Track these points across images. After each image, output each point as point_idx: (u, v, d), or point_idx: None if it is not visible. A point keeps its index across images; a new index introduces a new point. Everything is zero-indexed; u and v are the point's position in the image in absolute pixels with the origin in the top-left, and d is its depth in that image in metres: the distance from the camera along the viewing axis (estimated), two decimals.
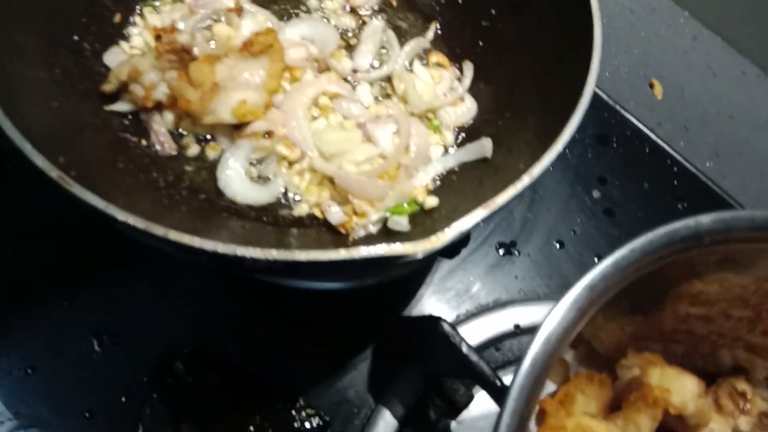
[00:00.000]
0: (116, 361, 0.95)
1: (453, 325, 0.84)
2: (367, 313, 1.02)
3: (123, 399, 0.93)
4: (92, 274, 1.01)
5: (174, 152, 0.89)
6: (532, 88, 0.93)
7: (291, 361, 0.98)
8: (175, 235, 0.61)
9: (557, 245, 1.16)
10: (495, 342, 1.04)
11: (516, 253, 1.14)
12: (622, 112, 1.32)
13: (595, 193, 1.22)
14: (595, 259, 1.14)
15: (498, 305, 1.08)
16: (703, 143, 1.35)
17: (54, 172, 0.62)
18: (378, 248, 0.64)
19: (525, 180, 0.71)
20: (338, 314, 1.01)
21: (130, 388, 0.94)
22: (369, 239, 0.86)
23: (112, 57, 0.92)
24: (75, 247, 1.02)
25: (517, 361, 1.04)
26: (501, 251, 1.14)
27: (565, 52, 0.88)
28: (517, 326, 1.06)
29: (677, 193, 1.24)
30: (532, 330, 1.07)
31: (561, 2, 0.90)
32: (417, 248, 0.64)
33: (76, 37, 0.89)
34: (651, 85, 1.41)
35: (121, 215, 0.61)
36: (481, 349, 1.03)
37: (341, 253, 0.63)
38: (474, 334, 1.03)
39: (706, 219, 0.67)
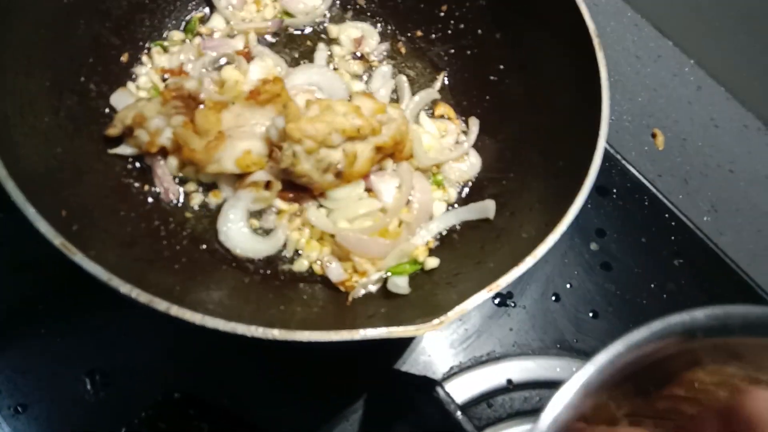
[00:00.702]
0: (108, 403, 0.95)
1: (448, 393, 0.84)
2: (360, 363, 1.02)
3: None
4: (88, 310, 1.00)
5: (177, 200, 0.89)
6: (538, 149, 0.93)
7: (282, 410, 0.98)
8: (177, 311, 0.61)
9: (553, 298, 1.16)
10: (487, 397, 1.04)
11: (512, 304, 1.14)
12: (623, 162, 1.33)
13: (593, 246, 1.23)
14: (590, 315, 1.15)
15: (492, 359, 1.08)
16: (701, 197, 1.36)
17: (57, 240, 0.62)
18: (379, 331, 0.63)
19: (528, 261, 0.71)
20: (331, 363, 1.01)
21: (121, 430, 0.93)
22: (368, 299, 0.86)
23: (119, 99, 0.91)
24: (71, 281, 1.00)
25: (508, 417, 1.05)
26: (497, 301, 1.14)
27: (573, 116, 0.89)
28: (509, 381, 1.06)
29: (675, 249, 1.25)
30: (524, 386, 1.09)
31: (569, 64, 0.90)
32: (419, 331, 0.64)
33: (82, 78, 0.89)
34: (653, 135, 1.41)
35: (125, 288, 0.61)
36: (472, 404, 1.03)
37: (342, 335, 0.63)
38: (466, 388, 1.03)
39: (700, 314, 0.66)
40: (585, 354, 1.12)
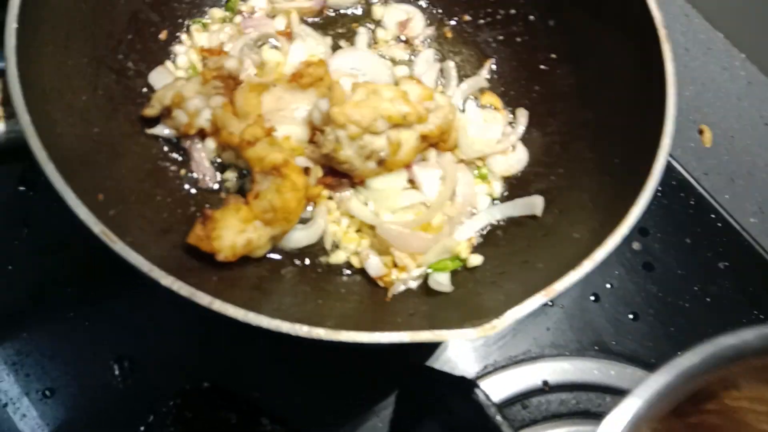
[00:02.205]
0: (136, 390, 0.93)
1: (487, 395, 0.81)
2: (392, 358, 0.99)
3: (141, 429, 0.91)
4: (117, 295, 0.98)
5: (215, 185, 0.86)
6: (590, 145, 0.89)
7: (311, 403, 0.95)
8: (219, 306, 0.58)
9: (592, 298, 1.12)
10: (522, 398, 1.01)
11: (549, 303, 1.10)
12: (669, 158, 1.28)
13: (636, 245, 1.18)
14: (630, 317, 1.11)
15: (527, 358, 1.05)
16: (748, 197, 1.30)
17: (97, 227, 0.59)
18: (429, 334, 0.60)
19: (586, 266, 0.67)
20: (362, 357, 0.98)
21: (149, 418, 0.91)
22: (408, 295, 0.83)
23: (157, 77, 0.88)
24: (101, 264, 0.98)
25: (544, 420, 1.02)
26: None
27: (631, 111, 0.84)
28: (545, 383, 1.02)
29: (719, 251, 1.20)
30: (561, 388, 1.05)
31: (629, 56, 0.85)
32: (470, 335, 0.61)
33: (120, 56, 0.86)
34: (700, 132, 1.36)
35: (166, 280, 0.58)
36: (507, 404, 1.00)
37: (390, 336, 0.60)
38: (501, 388, 1.00)
39: (750, 336, 0.61)
40: (623, 357, 1.08)
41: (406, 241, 0.83)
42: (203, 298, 0.58)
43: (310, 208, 0.87)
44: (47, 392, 0.92)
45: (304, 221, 0.87)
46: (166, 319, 0.98)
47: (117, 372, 0.94)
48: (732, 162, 1.35)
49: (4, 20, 0.67)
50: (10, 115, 0.68)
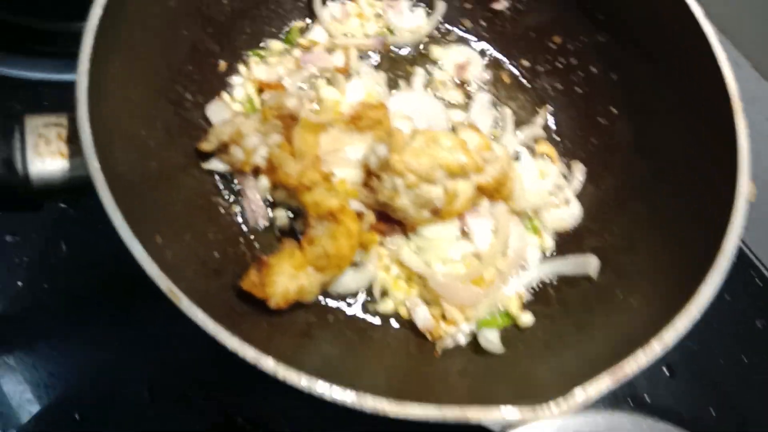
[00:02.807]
0: (167, 417, 0.91)
1: None
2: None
3: None
4: (153, 319, 0.96)
5: (265, 225, 0.85)
6: (647, 206, 0.87)
7: None
8: (284, 374, 0.56)
9: None
10: None
11: None
12: None
13: None
14: (666, 372, 1.09)
15: None
16: None
17: (164, 284, 0.58)
18: (492, 412, 0.59)
19: (657, 349, 0.65)
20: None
21: None
22: (457, 352, 0.81)
23: (215, 110, 0.87)
24: (139, 286, 0.97)
25: None
26: None
27: (695, 178, 0.82)
28: None
29: (758, 308, 1.18)
30: None
31: (695, 121, 0.83)
32: (534, 415, 0.59)
33: (179, 87, 0.84)
34: None
35: (231, 343, 0.57)
36: None
37: (469, 413, 0.58)
38: None
39: None
40: (658, 412, 1.06)
41: (456, 293, 0.82)
42: (267, 363, 0.56)
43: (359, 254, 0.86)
44: (78, 416, 0.91)
45: (353, 265, 0.85)
46: (202, 348, 0.96)
47: (148, 397, 0.93)
48: None
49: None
50: (74, 153, 0.67)
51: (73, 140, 0.67)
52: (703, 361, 1.12)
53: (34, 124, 0.67)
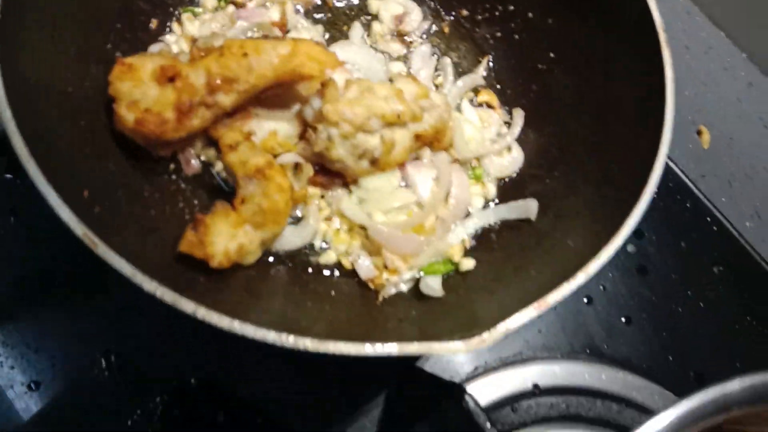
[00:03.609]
0: (123, 385, 0.92)
1: (477, 402, 0.80)
2: (382, 360, 0.98)
3: (128, 424, 0.90)
4: (105, 288, 0.96)
5: (199, 170, 0.84)
6: (587, 149, 0.87)
7: (299, 402, 0.95)
8: (203, 314, 0.57)
9: (585, 300, 1.11)
10: (512, 401, 1.00)
11: None
12: (666, 160, 1.26)
13: (630, 248, 1.17)
14: (623, 320, 1.10)
15: (518, 360, 1.04)
16: (745, 201, 1.29)
17: (79, 229, 0.57)
18: (417, 347, 0.59)
19: (580, 278, 0.66)
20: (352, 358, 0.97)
21: (135, 414, 0.91)
22: (399, 299, 0.82)
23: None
24: (90, 256, 0.97)
25: (533, 424, 1.01)
26: None
27: (629, 116, 0.82)
28: (536, 386, 1.02)
29: (715, 255, 1.19)
30: (551, 391, 1.05)
31: (629, 59, 0.84)
32: (460, 349, 0.60)
33: (109, 46, 0.83)
34: (699, 133, 1.34)
35: (149, 285, 0.57)
36: (496, 407, 0.99)
37: (377, 348, 0.59)
38: (491, 390, 1.00)
39: (734, 387, 0.59)
40: (615, 361, 1.07)
41: (397, 243, 0.82)
42: (187, 305, 0.56)
43: (300, 205, 0.85)
44: (32, 385, 0.91)
45: (294, 222, 0.85)
46: (153, 314, 0.96)
47: (104, 366, 0.93)
48: (730, 164, 1.33)
49: None
50: None
51: None
52: (659, 309, 1.13)
53: None
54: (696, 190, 1.25)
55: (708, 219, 1.23)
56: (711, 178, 1.31)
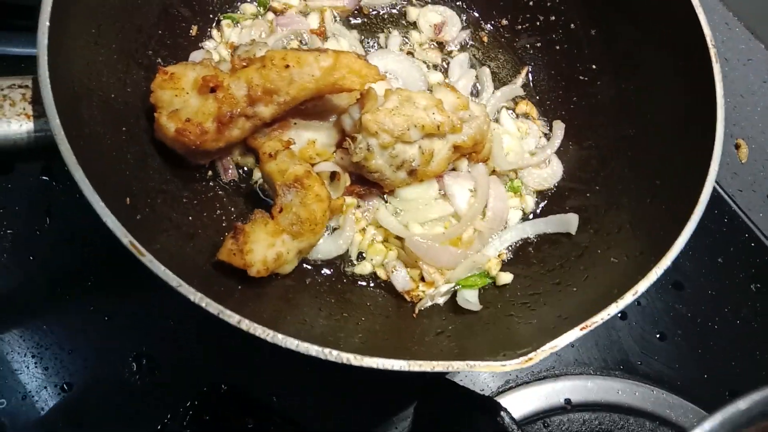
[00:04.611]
0: (154, 389, 0.92)
1: (513, 419, 0.79)
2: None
3: (158, 428, 0.90)
4: (140, 291, 0.96)
5: (236, 177, 0.84)
6: (629, 163, 0.85)
7: (331, 411, 0.94)
8: (247, 326, 0.56)
9: (619, 315, 1.09)
10: (544, 416, 0.99)
11: None
12: None
13: None
14: (657, 336, 1.08)
15: (551, 375, 1.03)
16: None
17: (125, 239, 0.57)
18: (460, 364, 0.58)
19: (628, 298, 0.64)
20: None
21: (165, 417, 0.91)
22: (435, 311, 0.81)
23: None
24: (124, 258, 0.97)
25: None
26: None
27: (674, 131, 0.81)
28: (568, 401, 1.00)
29: (752, 272, 1.16)
30: (583, 407, 1.03)
31: (675, 74, 0.82)
32: (505, 368, 0.59)
33: (149, 51, 0.83)
34: (737, 146, 1.31)
35: (194, 296, 0.56)
36: (528, 422, 0.98)
37: (422, 365, 0.58)
38: (522, 404, 0.98)
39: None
40: (649, 378, 1.05)
41: (435, 255, 0.81)
42: (232, 317, 0.56)
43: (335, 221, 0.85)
44: (65, 386, 0.91)
45: (330, 231, 0.84)
46: (186, 319, 0.96)
47: (135, 369, 0.93)
48: None
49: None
50: (39, 114, 0.66)
51: (38, 101, 0.66)
52: (695, 326, 1.10)
53: None
54: (733, 205, 1.22)
55: (746, 235, 1.20)
56: (749, 192, 1.29)
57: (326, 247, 0.82)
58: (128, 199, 0.68)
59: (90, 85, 0.72)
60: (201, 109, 0.75)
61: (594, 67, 0.93)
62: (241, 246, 0.71)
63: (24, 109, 0.66)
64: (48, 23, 0.63)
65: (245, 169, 0.86)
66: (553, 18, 0.96)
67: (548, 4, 0.96)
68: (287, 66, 0.76)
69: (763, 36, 1.41)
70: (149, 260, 0.57)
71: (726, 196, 1.22)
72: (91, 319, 0.95)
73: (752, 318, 1.11)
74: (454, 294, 0.81)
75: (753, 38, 1.42)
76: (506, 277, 0.83)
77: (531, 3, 0.97)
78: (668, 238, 0.68)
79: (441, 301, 0.81)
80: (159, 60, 0.84)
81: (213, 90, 0.76)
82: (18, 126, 0.66)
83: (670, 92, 0.83)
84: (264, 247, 0.73)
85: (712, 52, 0.76)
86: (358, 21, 0.98)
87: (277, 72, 0.76)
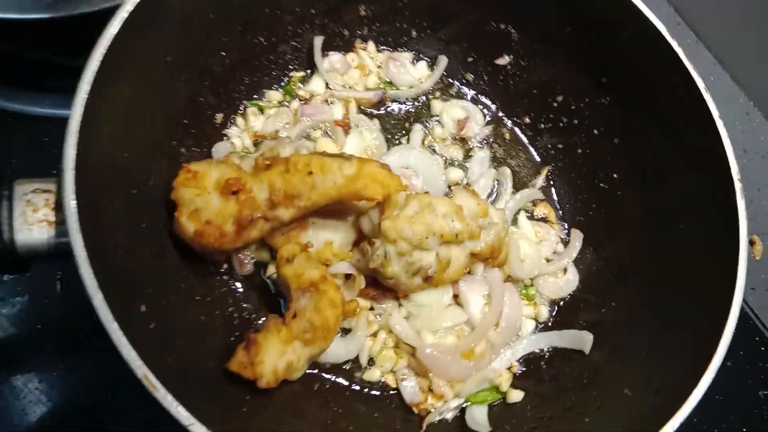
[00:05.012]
0: None
1: None
2: None
3: None
4: None
5: (251, 271, 0.84)
6: (649, 280, 0.84)
7: None
8: None
9: None
10: None
11: None
12: None
13: None
14: None
15: None
16: None
17: (140, 370, 0.56)
18: None
19: None
20: None
21: None
22: (442, 427, 0.80)
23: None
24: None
25: None
26: None
27: (697, 256, 0.80)
28: None
29: (762, 378, 1.15)
30: None
31: (701, 195, 0.81)
32: None
33: (174, 142, 0.83)
34: (752, 243, 1.30)
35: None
36: None
37: None
38: None
39: None
40: None
41: (446, 368, 0.80)
42: None
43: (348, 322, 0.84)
44: None
45: (342, 333, 0.84)
46: None
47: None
48: None
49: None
50: (61, 221, 0.66)
51: (60, 207, 0.66)
52: None
53: (22, 190, 0.66)
54: (745, 306, 1.21)
55: (757, 338, 1.19)
56: (761, 291, 1.27)
57: (337, 351, 0.81)
58: (143, 306, 0.67)
59: (114, 183, 0.71)
60: (222, 210, 0.75)
61: (615, 176, 0.93)
62: (252, 358, 0.71)
63: (46, 215, 0.66)
64: (77, 133, 0.63)
65: (259, 261, 0.86)
66: (576, 122, 0.96)
67: (572, 107, 0.96)
68: (310, 173, 0.76)
69: None
70: (162, 395, 0.56)
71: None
72: (97, 383, 0.93)
73: (759, 429, 1.10)
74: (463, 410, 0.80)
75: None
76: (517, 395, 0.81)
77: (555, 104, 0.97)
78: (688, 378, 0.67)
79: (450, 416, 0.80)
80: (183, 149, 0.84)
81: (235, 192, 0.75)
82: (39, 233, 0.65)
83: (694, 214, 0.82)
84: (275, 357, 0.72)
85: (738, 186, 0.76)
86: (382, 112, 0.98)
87: (300, 178, 0.76)
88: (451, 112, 0.98)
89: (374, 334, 0.84)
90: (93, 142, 0.67)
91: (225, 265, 0.84)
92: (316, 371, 0.81)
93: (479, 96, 1.02)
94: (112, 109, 0.71)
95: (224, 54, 0.88)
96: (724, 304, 0.72)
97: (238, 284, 0.84)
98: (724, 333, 0.70)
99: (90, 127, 0.66)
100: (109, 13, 0.70)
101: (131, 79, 0.74)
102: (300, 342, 0.74)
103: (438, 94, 1.01)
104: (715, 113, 0.80)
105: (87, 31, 0.70)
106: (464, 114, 0.98)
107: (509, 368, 0.84)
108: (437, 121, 0.99)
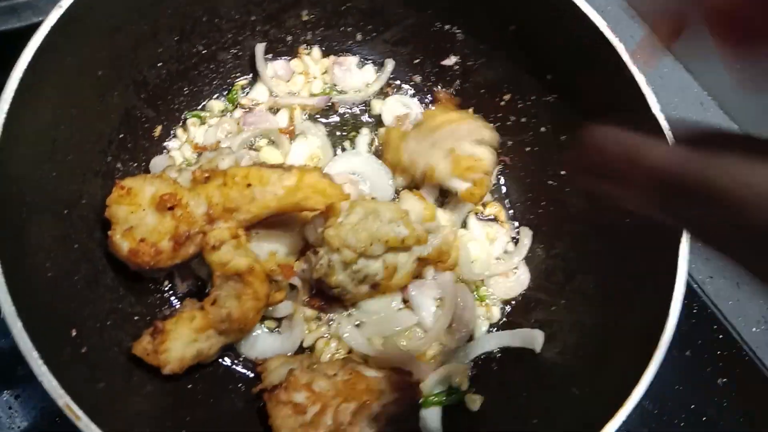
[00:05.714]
0: None
1: None
2: None
3: None
4: None
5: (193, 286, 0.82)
6: (596, 282, 0.84)
7: None
8: None
9: None
10: None
11: None
12: None
13: None
14: None
15: None
16: (753, 305, 1.26)
17: (61, 400, 0.55)
18: None
19: None
20: None
21: None
22: None
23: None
24: None
25: None
26: None
27: (642, 252, 0.79)
28: None
29: (719, 366, 1.16)
30: None
31: None
32: None
33: (109, 158, 0.81)
34: None
35: None
36: None
37: None
38: None
39: None
40: None
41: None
42: None
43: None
44: None
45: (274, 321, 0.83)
46: None
47: None
48: None
49: None
50: None
51: None
52: (660, 423, 1.09)
53: None
54: (702, 293, 1.22)
55: (714, 326, 1.19)
56: (719, 279, 1.28)
57: (271, 345, 0.81)
58: (74, 330, 0.66)
59: (40, 204, 0.69)
60: (157, 227, 0.73)
61: (563, 173, 0.92)
62: (156, 346, 0.70)
63: None
64: None
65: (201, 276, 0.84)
66: (524, 120, 0.96)
67: (519, 105, 0.95)
68: (249, 185, 0.74)
69: (738, 118, 1.42)
70: (85, 424, 0.54)
71: (695, 285, 1.22)
72: None
73: (718, 416, 1.10)
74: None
75: (729, 119, 1.43)
76: (475, 403, 0.81)
77: (502, 103, 0.97)
78: (632, 380, 0.67)
79: None
80: (119, 165, 0.82)
81: (171, 208, 0.74)
82: None
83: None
84: (183, 344, 0.72)
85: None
86: (328, 120, 0.97)
87: (238, 191, 0.74)
88: (390, 108, 0.97)
89: (327, 344, 0.82)
90: (14, 163, 0.65)
91: (166, 282, 0.82)
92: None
93: (420, 93, 1.01)
94: (36, 128, 0.69)
95: (160, 65, 0.85)
96: (665, 299, 0.72)
97: (180, 300, 0.82)
98: (665, 328, 0.70)
99: (11, 147, 0.64)
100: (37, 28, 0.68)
101: (57, 96, 0.72)
102: (214, 330, 0.73)
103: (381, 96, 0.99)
104: (655, 107, 0.79)
105: (13, 47, 0.68)
106: (405, 109, 0.97)
107: (464, 370, 0.84)
108: (381, 121, 0.97)
